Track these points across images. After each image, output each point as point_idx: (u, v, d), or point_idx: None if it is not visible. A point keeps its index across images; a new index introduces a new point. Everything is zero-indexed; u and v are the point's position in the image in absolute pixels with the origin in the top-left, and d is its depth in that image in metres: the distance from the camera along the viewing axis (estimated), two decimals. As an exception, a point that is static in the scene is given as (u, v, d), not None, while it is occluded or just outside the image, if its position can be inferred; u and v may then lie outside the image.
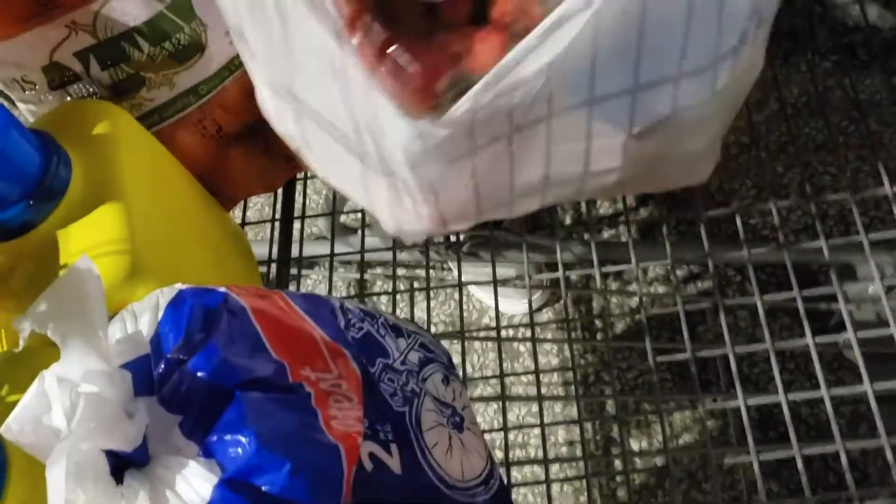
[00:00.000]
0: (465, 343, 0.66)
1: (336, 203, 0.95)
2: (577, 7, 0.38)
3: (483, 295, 1.19)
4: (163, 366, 0.37)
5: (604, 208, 1.18)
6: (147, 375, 0.36)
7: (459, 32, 0.43)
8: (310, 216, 0.77)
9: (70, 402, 0.32)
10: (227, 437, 0.33)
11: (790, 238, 1.04)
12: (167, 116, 0.56)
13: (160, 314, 0.40)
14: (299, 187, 0.70)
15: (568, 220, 1.16)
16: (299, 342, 0.40)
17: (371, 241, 0.98)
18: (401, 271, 1.16)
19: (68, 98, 0.54)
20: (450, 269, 1.22)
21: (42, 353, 0.41)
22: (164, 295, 0.41)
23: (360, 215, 1.08)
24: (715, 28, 0.45)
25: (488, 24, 0.44)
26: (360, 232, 0.82)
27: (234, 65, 0.57)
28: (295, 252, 0.69)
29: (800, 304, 0.59)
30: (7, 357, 0.41)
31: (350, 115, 0.42)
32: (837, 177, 1.07)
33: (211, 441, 0.34)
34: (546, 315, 1.17)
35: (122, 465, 0.34)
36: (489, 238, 0.79)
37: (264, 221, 0.71)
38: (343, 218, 1.12)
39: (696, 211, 0.65)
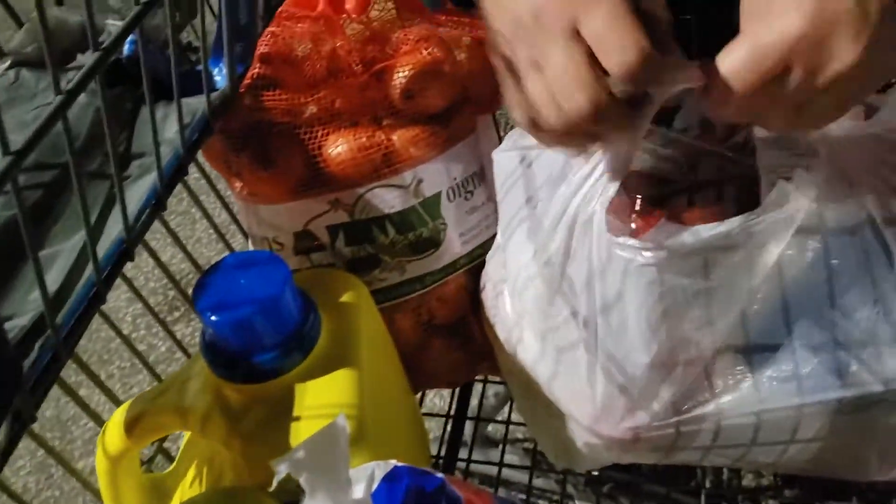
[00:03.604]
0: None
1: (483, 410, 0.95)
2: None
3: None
4: (378, 538, 0.37)
5: (747, 480, 1.14)
6: (366, 543, 0.37)
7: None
8: (484, 418, 0.78)
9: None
10: None
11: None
12: (392, 298, 0.60)
13: (374, 486, 0.41)
14: (476, 389, 0.72)
15: (708, 484, 1.12)
16: (503, 546, 0.40)
17: (509, 457, 0.97)
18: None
19: (308, 263, 0.59)
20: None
21: (250, 493, 0.43)
22: (380, 468, 0.42)
23: (502, 427, 1.08)
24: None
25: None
26: (500, 446, 0.82)
27: (460, 263, 0.61)
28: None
29: None
30: (222, 493, 0.43)
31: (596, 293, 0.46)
32: None
33: None
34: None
35: None
36: (630, 483, 0.78)
37: (439, 415, 0.73)
38: (488, 429, 1.12)
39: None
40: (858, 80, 0.41)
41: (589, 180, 0.45)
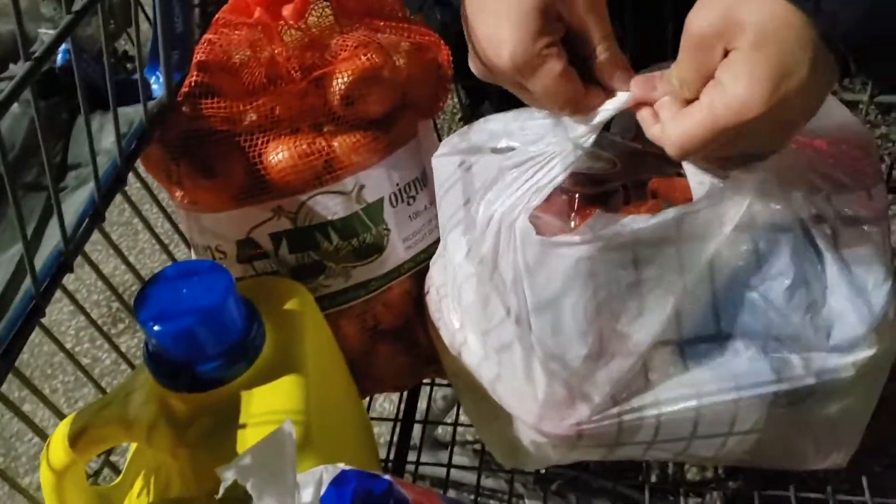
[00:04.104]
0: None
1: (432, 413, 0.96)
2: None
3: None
4: (326, 542, 0.37)
5: (691, 473, 1.16)
6: (314, 548, 0.37)
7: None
8: (432, 421, 0.78)
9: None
10: None
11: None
12: (337, 304, 0.60)
13: (322, 490, 0.41)
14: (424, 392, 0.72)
15: (654, 479, 1.14)
16: (450, 545, 0.41)
17: (458, 459, 0.98)
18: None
19: (252, 272, 0.59)
20: (525, 504, 1.19)
21: (197, 502, 0.43)
22: (328, 472, 0.42)
23: (451, 429, 1.09)
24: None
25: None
26: (448, 448, 0.83)
27: (404, 268, 0.61)
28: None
29: None
30: (173, 503, 0.43)
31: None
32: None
33: None
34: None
35: None
36: (578, 479, 0.79)
37: (387, 419, 0.73)
38: (437, 431, 1.12)
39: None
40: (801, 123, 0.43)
41: (517, 189, 0.46)
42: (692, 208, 0.45)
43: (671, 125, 0.43)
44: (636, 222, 0.44)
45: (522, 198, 0.46)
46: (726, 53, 0.41)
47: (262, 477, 0.34)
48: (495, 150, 0.50)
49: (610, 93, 0.47)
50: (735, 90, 0.40)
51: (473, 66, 0.49)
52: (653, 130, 0.45)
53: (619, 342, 0.46)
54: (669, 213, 0.45)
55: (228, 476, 0.34)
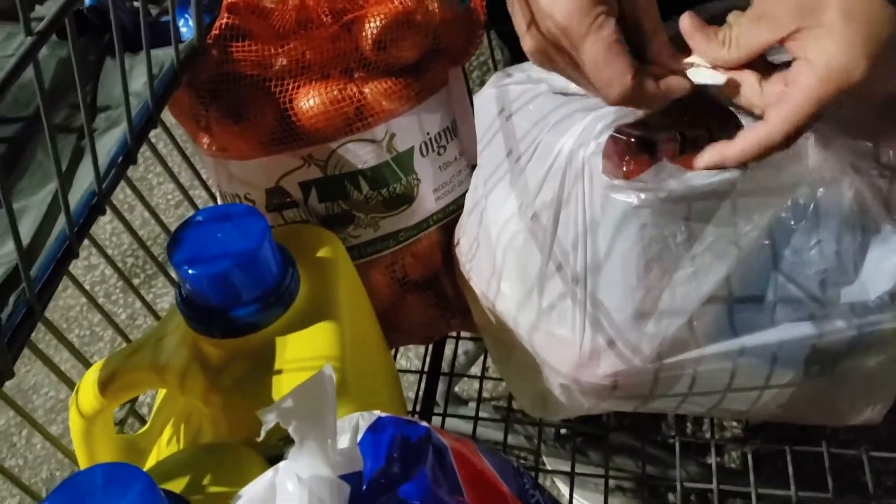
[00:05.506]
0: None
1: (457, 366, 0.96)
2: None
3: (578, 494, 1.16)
4: (366, 486, 0.37)
5: (715, 430, 1.16)
6: (355, 492, 0.36)
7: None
8: (458, 374, 0.78)
9: (297, 499, 0.33)
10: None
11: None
12: (366, 254, 0.59)
13: (359, 436, 0.41)
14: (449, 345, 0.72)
15: (674, 433, 1.14)
16: (489, 494, 0.41)
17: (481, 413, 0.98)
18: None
19: (281, 220, 0.58)
20: (544, 463, 1.19)
21: (233, 447, 0.43)
22: (364, 419, 0.42)
23: (470, 386, 1.08)
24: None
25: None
26: (470, 403, 0.83)
27: (433, 219, 0.60)
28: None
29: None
30: (205, 448, 0.42)
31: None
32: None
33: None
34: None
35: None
36: (598, 437, 0.78)
37: (412, 371, 0.73)
38: (455, 389, 1.12)
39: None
40: None
41: (580, 127, 0.45)
42: (751, 169, 0.44)
43: (773, 116, 0.43)
44: (700, 178, 0.43)
45: (586, 134, 0.44)
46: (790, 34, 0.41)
47: (303, 420, 0.34)
48: (555, 91, 0.49)
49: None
50: (830, 61, 0.40)
51: (527, 42, 0.47)
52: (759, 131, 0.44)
53: (670, 299, 0.45)
54: (736, 173, 0.44)
55: (270, 419, 0.33)
